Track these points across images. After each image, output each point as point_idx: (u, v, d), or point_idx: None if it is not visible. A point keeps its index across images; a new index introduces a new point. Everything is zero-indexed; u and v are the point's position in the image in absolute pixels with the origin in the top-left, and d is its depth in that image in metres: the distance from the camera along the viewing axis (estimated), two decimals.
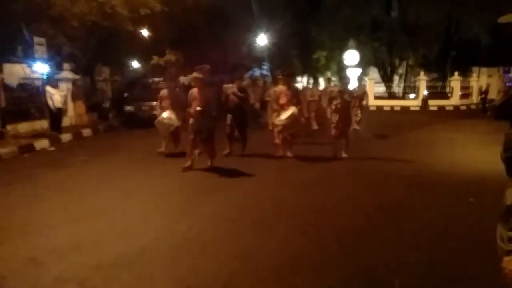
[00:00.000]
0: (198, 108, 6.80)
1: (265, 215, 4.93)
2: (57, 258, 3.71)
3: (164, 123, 8.22)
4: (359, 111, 12.96)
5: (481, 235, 4.05)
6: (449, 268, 3.49)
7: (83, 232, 4.39)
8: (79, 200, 5.58)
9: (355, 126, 12.11)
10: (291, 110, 7.76)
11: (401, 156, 8.71)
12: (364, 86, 14.26)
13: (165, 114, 8.25)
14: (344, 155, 8.23)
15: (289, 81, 8.41)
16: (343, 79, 8.38)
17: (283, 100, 8.02)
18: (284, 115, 7.77)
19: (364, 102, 13.30)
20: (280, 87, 8.30)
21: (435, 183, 6.42)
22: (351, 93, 8.74)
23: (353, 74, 23.18)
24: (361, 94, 13.06)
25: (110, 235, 4.28)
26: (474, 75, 27.71)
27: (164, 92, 8.74)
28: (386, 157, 8.57)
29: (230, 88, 8.79)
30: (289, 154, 8.30)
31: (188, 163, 7.14)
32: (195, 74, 6.98)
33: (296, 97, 8.40)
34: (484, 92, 21.41)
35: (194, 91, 7.00)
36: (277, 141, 8.41)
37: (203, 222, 4.71)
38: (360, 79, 13.84)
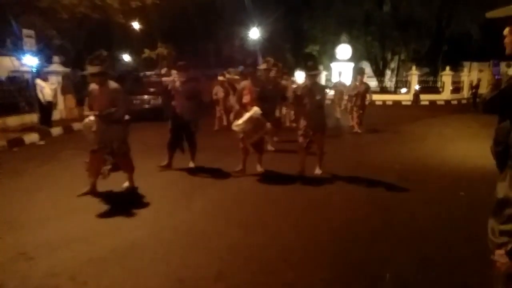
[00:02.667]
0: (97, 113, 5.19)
1: (257, 210, 4.93)
2: (48, 252, 3.68)
3: (86, 123, 5.64)
4: (360, 112, 11.11)
5: (472, 229, 4.10)
6: (440, 261, 3.53)
7: (73, 226, 4.36)
8: (70, 194, 5.51)
9: (356, 129, 11.15)
10: (252, 111, 6.02)
11: (392, 150, 8.77)
12: (362, 81, 11.44)
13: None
14: (317, 171, 6.48)
15: (254, 74, 6.58)
16: (310, 70, 6.26)
17: (246, 99, 6.33)
18: (243, 118, 6.05)
19: (367, 101, 11.15)
20: (244, 82, 6.66)
21: (427, 177, 6.47)
22: (322, 89, 6.54)
23: (346, 68, 23.09)
24: (363, 91, 10.90)
25: (101, 229, 4.25)
26: (465, 69, 27.94)
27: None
28: (377, 151, 8.62)
29: (171, 81, 6.75)
30: (258, 168, 6.60)
31: (88, 188, 5.44)
32: (91, 68, 5.05)
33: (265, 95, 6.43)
34: (475, 87, 21.59)
35: (95, 89, 5.24)
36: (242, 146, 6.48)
37: (195, 217, 4.70)
38: (362, 73, 11.77)
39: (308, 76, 6.50)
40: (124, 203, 5.18)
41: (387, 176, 6.52)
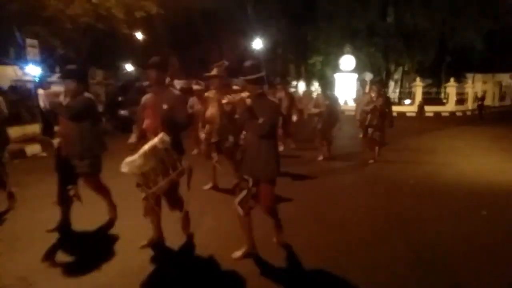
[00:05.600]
0: None
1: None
2: (48, 278, 3.44)
3: None
4: (377, 134, 8.29)
5: (492, 249, 3.88)
6: (466, 283, 3.30)
7: (77, 248, 4.13)
8: (73, 210, 5.29)
9: (373, 158, 8.59)
10: (155, 140, 3.52)
11: (403, 164, 8.52)
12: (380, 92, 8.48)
13: None
14: (236, 253, 3.81)
15: (161, 80, 4.03)
16: (246, 74, 3.47)
17: (147, 122, 3.94)
18: (140, 151, 3.50)
19: (390, 118, 8.40)
20: (145, 97, 4.20)
21: (442, 193, 6.23)
22: (272, 107, 3.50)
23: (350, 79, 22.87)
24: (380, 105, 8.11)
25: (107, 252, 4.01)
26: (469, 81, 27.90)
27: None
28: (388, 165, 8.37)
29: (51, 95, 4.51)
30: (141, 244, 4.05)
31: None
32: None
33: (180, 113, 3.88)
34: (480, 99, 21.48)
35: None
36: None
37: (204, 237, 4.47)
38: (379, 81, 10.09)
39: (246, 83, 3.54)
40: (130, 220, 4.95)
41: (402, 191, 6.31)
